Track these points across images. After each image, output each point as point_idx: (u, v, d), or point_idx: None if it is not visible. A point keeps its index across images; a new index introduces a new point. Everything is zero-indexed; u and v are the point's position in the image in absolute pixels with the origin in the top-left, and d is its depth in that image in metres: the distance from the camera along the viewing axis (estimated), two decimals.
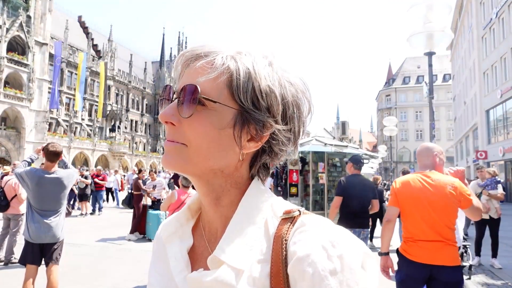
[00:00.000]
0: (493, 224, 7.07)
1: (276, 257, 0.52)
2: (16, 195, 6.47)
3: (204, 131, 0.55)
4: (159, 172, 22.21)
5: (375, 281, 0.52)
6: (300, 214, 0.56)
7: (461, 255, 6.32)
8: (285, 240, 0.53)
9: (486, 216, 7.06)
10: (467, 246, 6.40)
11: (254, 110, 0.56)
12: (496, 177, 7.45)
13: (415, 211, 2.89)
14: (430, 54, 5.29)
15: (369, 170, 22.36)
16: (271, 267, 0.53)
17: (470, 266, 6.30)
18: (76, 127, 45.38)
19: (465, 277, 6.29)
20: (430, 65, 5.40)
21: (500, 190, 7.14)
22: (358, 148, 13.54)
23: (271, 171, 0.65)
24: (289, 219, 0.56)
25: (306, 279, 0.49)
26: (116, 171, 20.06)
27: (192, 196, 0.69)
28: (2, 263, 6.47)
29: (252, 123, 0.56)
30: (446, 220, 2.80)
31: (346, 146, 11.12)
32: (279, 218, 0.57)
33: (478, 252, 7.19)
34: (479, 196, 7.14)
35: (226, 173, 0.59)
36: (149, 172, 11.35)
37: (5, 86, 34.87)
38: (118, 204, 17.17)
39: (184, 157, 0.57)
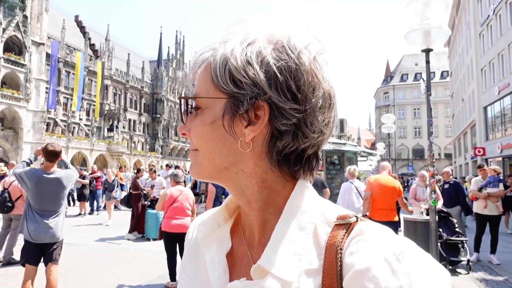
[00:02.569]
0: (494, 220, 7.14)
1: (329, 268, 0.47)
2: (21, 195, 6.46)
3: (200, 131, 0.55)
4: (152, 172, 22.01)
5: None
6: (357, 220, 0.51)
7: (459, 251, 6.28)
8: (340, 249, 0.47)
9: (486, 213, 7.13)
10: (464, 241, 6.43)
11: (239, 91, 0.52)
12: (499, 175, 7.57)
13: (377, 194, 5.88)
14: (427, 51, 5.29)
15: (367, 167, 22.41)
16: (323, 279, 0.47)
17: (468, 261, 6.33)
18: (74, 127, 45.28)
19: (463, 272, 6.30)
20: (428, 62, 5.40)
21: (501, 188, 7.24)
22: (356, 146, 13.57)
23: (305, 157, 0.55)
24: (344, 225, 0.50)
25: None
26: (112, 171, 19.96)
27: (230, 195, 0.64)
28: (1, 263, 6.47)
29: (242, 106, 0.52)
30: (392, 199, 5.93)
31: (345, 144, 11.14)
32: (332, 224, 0.51)
33: (477, 249, 7.22)
34: (480, 190, 7.31)
35: (248, 172, 0.55)
36: (149, 171, 11.36)
37: (2, 86, 34.75)
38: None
39: (198, 162, 0.57)
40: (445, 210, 7.02)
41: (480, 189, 7.30)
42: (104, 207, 14.85)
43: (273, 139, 0.53)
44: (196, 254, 0.63)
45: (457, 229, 6.67)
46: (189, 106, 0.57)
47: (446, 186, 8.48)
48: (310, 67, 0.53)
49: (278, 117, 0.51)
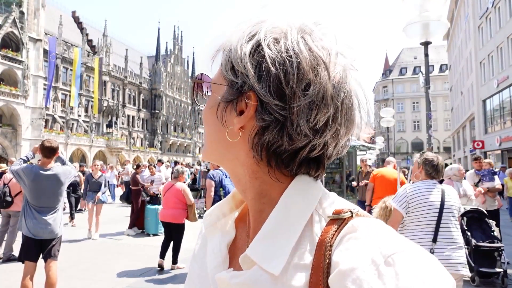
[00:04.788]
0: (493, 215, 6.50)
1: (317, 265, 0.45)
2: (21, 191, 6.46)
3: (204, 114, 0.58)
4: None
5: None
6: (352, 216, 0.47)
7: (494, 260, 5.32)
8: (330, 245, 0.45)
9: (485, 208, 6.39)
10: (501, 248, 5.35)
11: (235, 80, 0.52)
12: (493, 168, 7.25)
13: (379, 184, 6.53)
14: (426, 44, 5.27)
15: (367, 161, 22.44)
16: (310, 275, 0.45)
17: (505, 272, 5.26)
18: (72, 124, 45.19)
19: (497, 285, 5.43)
20: (426, 55, 5.38)
21: (497, 181, 6.94)
22: (355, 140, 13.58)
23: (299, 159, 0.52)
24: (337, 220, 0.48)
25: None
26: (111, 167, 20.01)
27: None
28: (1, 260, 6.48)
29: (234, 95, 0.52)
30: (393, 189, 5.69)
31: (352, 137, 11.11)
32: (327, 218, 0.49)
33: None
34: (476, 184, 6.86)
35: (241, 161, 0.54)
36: (149, 166, 11.36)
37: None
38: (114, 199, 17.17)
39: (205, 144, 0.60)
40: (482, 210, 5.71)
41: (476, 184, 6.88)
42: (75, 209, 11.44)
43: (258, 134, 0.51)
44: (205, 243, 0.63)
45: (494, 233, 5.45)
46: (205, 88, 0.59)
47: None
48: (308, 62, 0.49)
49: (260, 111, 0.50)
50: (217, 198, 5.85)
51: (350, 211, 0.48)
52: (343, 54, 0.52)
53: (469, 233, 5.31)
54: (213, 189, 5.98)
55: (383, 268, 0.40)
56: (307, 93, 0.48)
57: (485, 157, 7.41)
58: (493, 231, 5.48)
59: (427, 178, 3.14)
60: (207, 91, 0.58)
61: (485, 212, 5.72)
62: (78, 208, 13.02)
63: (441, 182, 3.15)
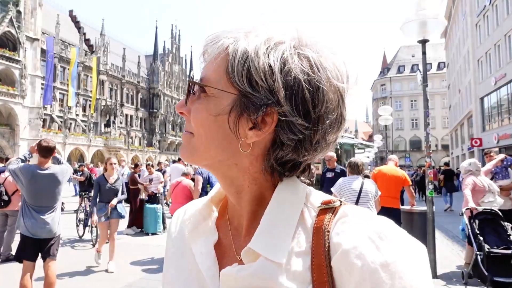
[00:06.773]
0: (508, 216, 5.68)
1: (317, 249, 0.50)
2: (17, 189, 6.44)
3: (201, 118, 0.54)
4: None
5: (429, 275, 0.47)
6: (341, 204, 0.54)
7: (510, 268, 4.69)
8: (327, 231, 0.50)
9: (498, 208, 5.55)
10: None
11: (253, 92, 0.50)
12: (506, 160, 6.57)
13: (380, 182, 5.87)
14: (423, 42, 5.29)
15: (365, 159, 22.50)
16: (311, 259, 0.50)
17: None
18: (70, 123, 45.11)
19: None
20: (424, 53, 5.40)
21: None
22: (353, 138, 13.61)
23: (301, 168, 0.58)
24: (329, 209, 0.53)
25: (354, 272, 0.46)
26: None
27: (214, 188, 0.66)
28: (0, 260, 6.47)
29: (252, 109, 0.51)
30: (395, 187, 6.14)
31: (342, 136, 11.14)
32: (317, 208, 0.54)
33: None
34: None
35: (241, 167, 0.55)
36: (146, 166, 11.34)
37: None
38: None
39: (191, 147, 0.56)
40: (495, 211, 5.13)
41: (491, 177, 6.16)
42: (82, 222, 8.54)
43: (274, 147, 0.53)
44: (181, 248, 0.63)
45: (510, 237, 4.85)
46: (190, 87, 0.56)
47: (330, 174, 6.91)
48: (333, 89, 0.52)
49: (285, 129, 0.51)
50: (203, 194, 6.03)
51: (340, 201, 0.54)
52: (351, 79, 0.55)
53: (481, 238, 4.79)
54: (201, 183, 6.28)
55: (379, 242, 0.46)
56: (329, 117, 0.52)
57: (483, 155, 6.05)
58: (509, 235, 4.88)
59: (351, 174, 4.98)
60: (199, 91, 0.55)
61: (500, 213, 5.12)
62: (77, 208, 9.48)
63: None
